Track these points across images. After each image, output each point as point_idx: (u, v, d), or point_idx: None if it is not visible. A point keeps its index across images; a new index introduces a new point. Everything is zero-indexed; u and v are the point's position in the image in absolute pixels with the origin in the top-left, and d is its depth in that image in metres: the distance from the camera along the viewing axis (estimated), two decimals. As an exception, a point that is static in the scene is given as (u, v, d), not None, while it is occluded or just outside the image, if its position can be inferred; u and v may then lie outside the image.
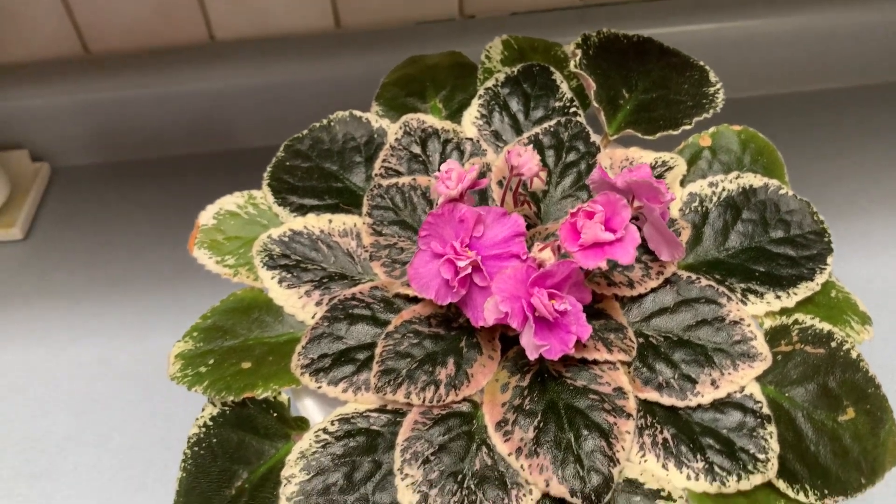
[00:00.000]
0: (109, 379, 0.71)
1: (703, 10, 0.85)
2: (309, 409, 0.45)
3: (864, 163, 0.84)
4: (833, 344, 0.44)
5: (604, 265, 0.39)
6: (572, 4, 0.87)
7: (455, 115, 0.55)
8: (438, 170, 0.42)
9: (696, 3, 0.86)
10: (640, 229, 0.45)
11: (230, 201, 0.51)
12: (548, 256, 0.40)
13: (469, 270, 0.40)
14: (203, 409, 0.46)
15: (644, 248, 0.45)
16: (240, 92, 0.86)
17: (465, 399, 0.43)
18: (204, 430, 0.46)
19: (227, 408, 0.45)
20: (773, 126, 0.86)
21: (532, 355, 0.39)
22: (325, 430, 0.42)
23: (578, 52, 0.53)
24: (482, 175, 0.49)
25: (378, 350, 0.43)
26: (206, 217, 0.51)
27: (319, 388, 0.43)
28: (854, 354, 0.44)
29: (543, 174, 0.44)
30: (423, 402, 0.42)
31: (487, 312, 0.39)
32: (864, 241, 0.77)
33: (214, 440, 0.45)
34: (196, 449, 0.45)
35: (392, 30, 0.86)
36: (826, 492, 0.41)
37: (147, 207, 0.84)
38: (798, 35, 0.86)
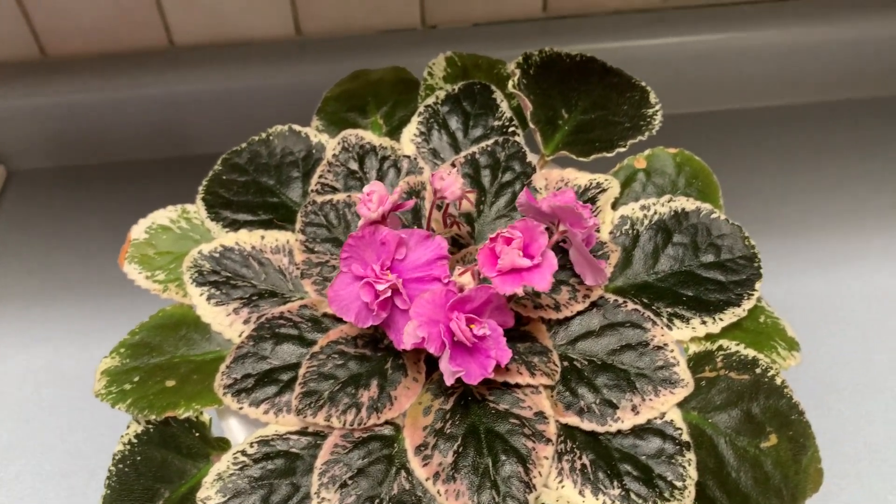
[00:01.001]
0: (57, 386, 0.71)
1: (663, 25, 0.85)
2: (233, 429, 0.45)
3: (819, 179, 0.84)
4: (758, 370, 0.44)
5: (520, 291, 0.39)
6: (535, 16, 0.87)
7: (396, 131, 0.55)
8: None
9: (656, 17, 0.86)
10: (567, 252, 0.45)
11: (163, 215, 0.51)
12: (467, 281, 0.40)
13: (389, 294, 0.40)
14: (128, 427, 0.46)
15: (572, 270, 0.45)
16: (198, 97, 0.85)
17: (387, 422, 0.42)
18: (128, 447, 0.45)
19: (150, 426, 0.45)
20: (727, 141, 0.87)
21: (448, 381, 0.39)
22: (243, 452, 0.42)
23: (518, 71, 0.53)
24: (415, 194, 0.49)
25: (302, 371, 0.43)
26: (138, 231, 0.51)
27: (241, 409, 0.43)
28: (778, 381, 0.44)
29: (472, 196, 0.44)
30: (344, 424, 0.42)
31: (406, 336, 0.39)
32: (816, 257, 0.78)
33: (139, 458, 0.45)
34: (120, 466, 0.45)
35: (353, 38, 0.86)
36: (745, 518, 0.41)
37: (103, 212, 0.84)
38: (762, 50, 0.86)
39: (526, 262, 0.39)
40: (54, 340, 0.73)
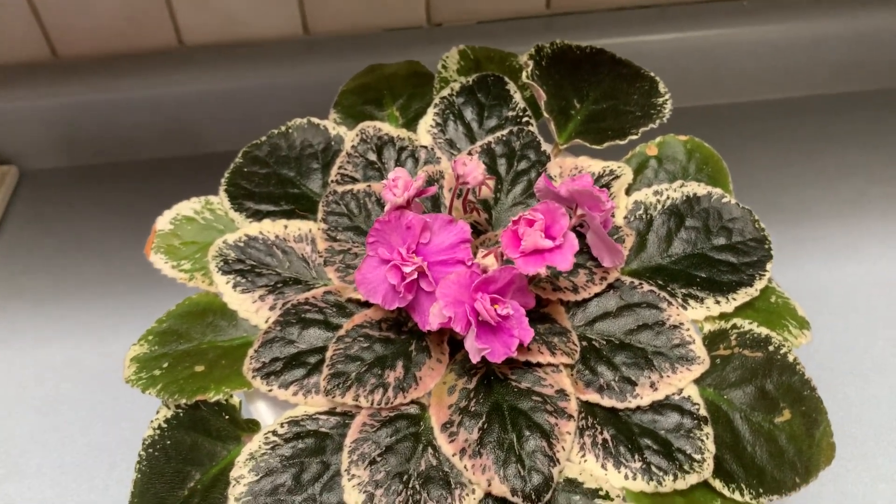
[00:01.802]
0: (76, 380, 0.72)
1: (665, 21, 0.87)
2: (261, 411, 0.46)
3: (822, 170, 0.86)
4: (771, 348, 0.46)
5: (544, 271, 0.40)
6: (539, 13, 0.88)
7: (411, 123, 0.57)
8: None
9: (659, 13, 0.87)
10: (584, 236, 0.46)
11: (187, 206, 0.52)
12: (491, 262, 0.41)
13: (415, 276, 0.41)
14: (157, 412, 0.47)
15: (589, 254, 0.47)
16: (208, 97, 0.86)
17: (412, 401, 0.44)
18: (158, 432, 0.46)
19: (180, 410, 0.46)
20: (732, 134, 0.88)
21: (475, 358, 0.40)
22: (274, 433, 0.43)
23: (531, 63, 0.54)
24: (434, 182, 0.50)
25: (329, 353, 0.44)
26: (163, 222, 0.52)
27: (270, 391, 0.44)
28: (791, 358, 0.45)
29: (491, 182, 0.45)
30: (372, 404, 0.43)
31: (432, 317, 0.41)
32: (820, 246, 0.79)
33: (168, 442, 0.46)
34: (150, 451, 0.46)
35: (360, 36, 0.87)
36: (761, 491, 0.42)
37: (115, 211, 0.85)
38: (763, 44, 0.88)
39: (548, 243, 0.40)
40: (71, 337, 0.74)
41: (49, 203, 0.86)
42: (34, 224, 0.84)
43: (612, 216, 0.47)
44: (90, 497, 0.65)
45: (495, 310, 0.40)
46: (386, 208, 0.42)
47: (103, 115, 0.86)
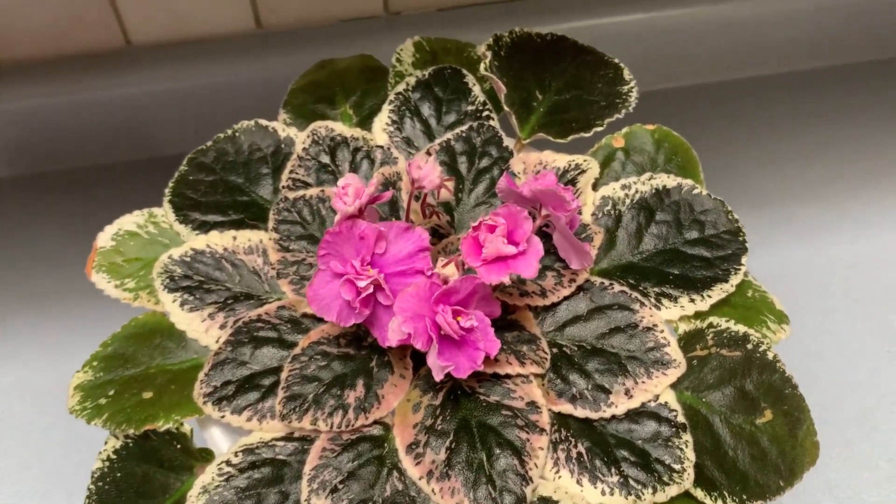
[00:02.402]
0: (29, 403, 0.68)
1: (629, 2, 0.84)
2: (215, 438, 0.43)
3: (796, 149, 0.84)
4: (749, 346, 0.44)
5: (507, 280, 0.37)
6: (500, -1, 0.85)
7: (366, 121, 0.54)
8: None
9: (622, -7, 0.85)
10: (551, 236, 0.44)
11: (129, 220, 0.49)
12: (451, 272, 0.38)
13: (371, 290, 0.39)
14: (106, 442, 0.44)
15: (556, 254, 0.44)
16: (160, 97, 0.83)
17: (375, 422, 0.41)
18: (107, 463, 0.44)
19: (129, 440, 0.43)
20: (702, 116, 0.86)
21: (437, 376, 0.38)
22: (227, 463, 0.40)
23: (489, 53, 0.52)
24: (390, 185, 0.47)
25: (284, 374, 0.42)
26: (105, 238, 0.49)
27: (223, 417, 0.41)
28: (770, 355, 0.44)
29: (450, 183, 0.43)
30: (331, 427, 0.40)
31: (391, 333, 0.38)
32: (795, 227, 0.78)
33: (119, 474, 0.43)
34: (100, 484, 0.43)
35: (315, 28, 0.84)
36: (745, 497, 0.40)
37: (66, 221, 0.81)
38: (730, 22, 0.86)
39: (511, 250, 0.37)
40: (22, 356, 0.71)
41: (-4, 215, 0.82)
42: (-20, 238, 0.80)
43: (580, 213, 0.45)
44: (49, 525, 0.62)
45: (458, 322, 0.38)
46: (336, 218, 0.40)
47: (49, 120, 0.82)
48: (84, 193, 0.83)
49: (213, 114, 0.84)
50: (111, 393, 0.44)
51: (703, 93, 0.89)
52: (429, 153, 0.49)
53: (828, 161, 0.83)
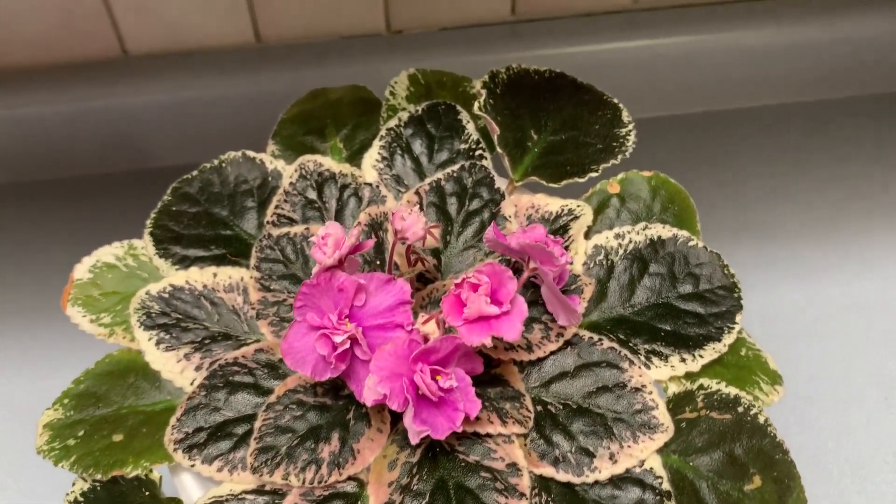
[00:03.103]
0: (8, 419, 0.67)
1: (635, 27, 0.83)
2: (187, 487, 0.42)
3: (798, 183, 0.82)
4: (740, 409, 0.42)
5: (488, 342, 0.36)
6: (504, 20, 0.84)
7: (356, 155, 0.52)
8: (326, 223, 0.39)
9: (627, 19, 0.83)
10: (539, 286, 0.43)
11: (108, 252, 0.48)
12: (432, 330, 0.37)
13: (348, 345, 0.37)
14: (73, 484, 0.43)
15: (544, 307, 0.43)
16: (155, 108, 0.82)
17: (349, 478, 0.40)
18: (74, 506, 0.42)
19: (97, 483, 0.42)
20: (704, 145, 0.85)
21: (413, 440, 0.37)
22: (195, 516, 0.39)
23: (484, 91, 0.50)
24: (377, 226, 0.46)
25: (257, 424, 0.40)
26: (82, 270, 0.47)
27: (193, 466, 0.40)
28: (761, 419, 0.42)
29: (437, 231, 0.41)
30: (304, 483, 0.39)
31: (367, 392, 0.37)
32: (794, 265, 0.76)
33: (85, 518, 0.42)
34: (66, 527, 0.42)
35: (316, 44, 0.82)
36: (730, 569, 0.39)
37: (55, 231, 0.80)
38: (734, 52, 0.84)
39: (494, 310, 0.36)
40: (5, 370, 0.70)
41: (-16, 224, 0.81)
42: (-33, 247, 0.79)
43: (571, 262, 0.43)
44: (22, 550, 0.61)
45: (437, 382, 0.36)
46: (315, 269, 0.38)
47: (42, 128, 0.81)
48: (75, 204, 0.82)
49: (208, 126, 0.83)
50: (80, 434, 0.43)
51: (703, 121, 0.87)
52: (418, 194, 0.47)
53: (829, 198, 0.81)
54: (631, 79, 0.84)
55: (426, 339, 0.37)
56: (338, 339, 0.37)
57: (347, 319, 0.38)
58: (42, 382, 0.69)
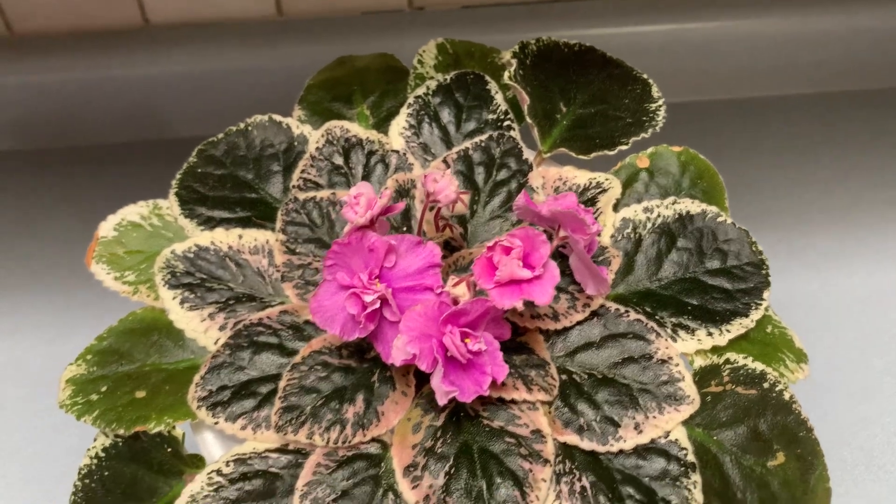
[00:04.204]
0: (20, 384, 0.67)
1: (659, 11, 0.82)
2: (209, 444, 0.42)
3: (817, 172, 0.82)
4: (765, 385, 0.42)
5: (519, 305, 0.36)
6: (526, 0, 0.83)
7: (383, 123, 0.52)
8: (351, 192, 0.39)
9: (651, 3, 0.83)
10: (566, 257, 0.42)
11: (133, 211, 0.48)
12: (462, 292, 0.37)
13: (377, 305, 0.37)
14: (95, 439, 0.43)
15: (571, 277, 0.43)
16: (174, 79, 0.81)
17: (373, 439, 0.40)
18: (96, 461, 0.42)
19: (119, 439, 0.42)
20: (723, 132, 0.84)
21: (441, 400, 0.36)
22: (218, 472, 0.39)
23: (514, 61, 0.50)
24: (404, 194, 0.46)
25: (282, 384, 0.40)
26: (107, 228, 0.47)
27: (216, 423, 0.40)
28: (787, 396, 0.42)
29: (466, 197, 0.41)
30: (328, 442, 0.39)
31: (395, 352, 0.36)
32: (812, 254, 0.76)
33: (106, 473, 0.42)
34: (87, 482, 0.42)
35: (337, 19, 0.82)
36: (751, 543, 0.39)
37: (72, 199, 0.80)
38: (762, 38, 0.84)
39: (526, 274, 0.36)
40: (16, 335, 0.70)
41: (1, 188, 0.81)
42: (-16, 212, 0.79)
43: (598, 235, 0.43)
44: (35, 510, 0.61)
45: (466, 345, 0.36)
46: (346, 228, 0.38)
47: (61, 95, 0.81)
48: (90, 172, 0.82)
49: (226, 98, 0.83)
50: (104, 389, 0.43)
51: (721, 109, 0.87)
52: (446, 162, 0.47)
53: (848, 187, 0.81)
54: (651, 63, 0.84)
55: (455, 302, 0.37)
56: (368, 298, 0.37)
57: (377, 280, 0.38)
58: (52, 347, 0.69)
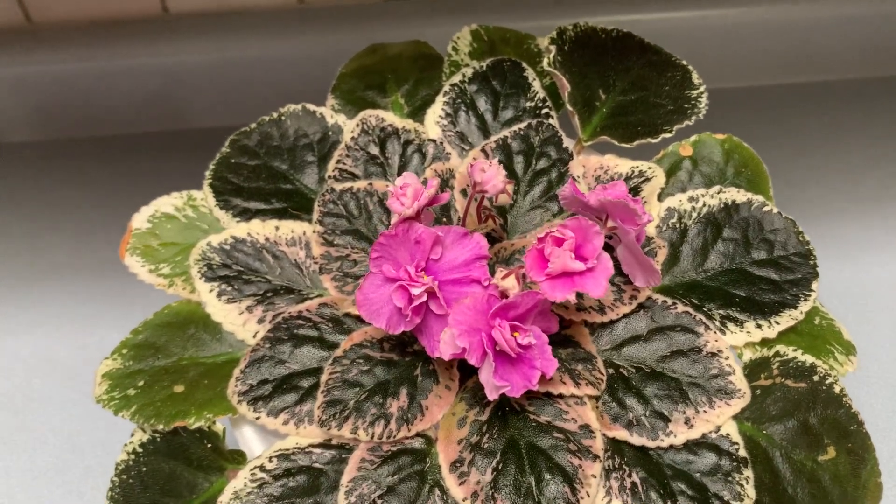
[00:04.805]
0: (47, 375, 0.67)
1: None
2: (249, 440, 0.41)
3: (845, 161, 0.81)
4: (815, 378, 0.41)
5: (572, 298, 0.35)
6: (550, -13, 0.82)
7: (418, 112, 0.51)
8: (392, 177, 0.38)
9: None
10: (613, 249, 0.42)
11: (167, 202, 0.47)
12: (511, 285, 0.36)
13: (424, 298, 0.36)
14: (133, 434, 0.43)
15: (618, 269, 0.42)
16: (194, 68, 0.80)
17: (418, 434, 0.39)
18: (133, 457, 0.42)
19: (157, 435, 0.41)
20: (751, 120, 0.83)
21: (491, 395, 0.36)
22: (261, 468, 0.38)
23: (553, 47, 0.49)
24: (444, 185, 0.45)
25: (324, 378, 0.39)
26: (140, 220, 0.46)
27: (258, 418, 0.39)
28: (837, 389, 0.41)
29: (511, 188, 0.40)
30: (372, 437, 0.38)
31: (444, 346, 0.36)
32: (841, 244, 0.75)
33: (144, 469, 0.41)
34: (124, 477, 0.42)
35: (358, 8, 0.81)
36: (803, 539, 0.38)
37: (94, 189, 0.79)
38: (785, 25, 0.82)
39: (579, 266, 0.35)
40: (45, 326, 0.69)
41: (21, 179, 0.80)
42: (4, 202, 0.78)
43: (651, 220, 0.42)
44: (63, 503, 0.61)
45: (515, 339, 0.35)
46: (393, 220, 0.37)
47: (81, 85, 0.80)
48: (112, 162, 0.81)
49: (247, 88, 0.82)
50: (140, 384, 0.42)
51: (749, 97, 0.85)
52: (484, 151, 0.46)
53: (877, 176, 0.79)
54: (676, 50, 0.83)
55: (504, 295, 0.36)
56: (415, 291, 0.36)
57: (423, 272, 0.37)
58: (79, 339, 0.69)
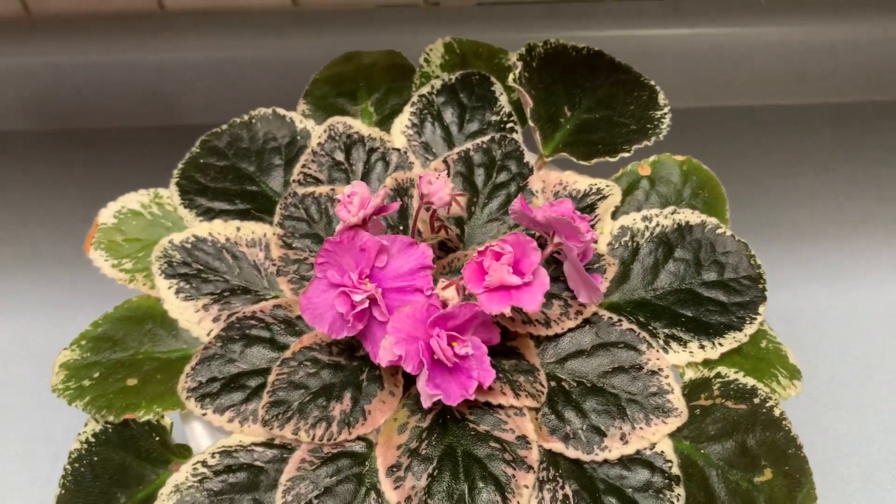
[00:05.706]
0: (24, 362, 0.68)
1: (678, 15, 0.81)
2: (197, 435, 0.42)
3: (830, 184, 0.81)
4: (756, 400, 0.42)
5: (508, 311, 0.36)
6: (543, -1, 0.83)
7: (386, 120, 0.52)
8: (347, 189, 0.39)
9: (671, 7, 0.82)
10: (561, 263, 0.42)
11: (134, 199, 0.48)
12: (451, 296, 0.37)
13: (366, 304, 0.37)
14: (86, 424, 0.44)
15: (565, 283, 0.42)
16: (187, 66, 0.82)
17: (359, 438, 0.40)
18: (86, 446, 0.43)
19: (109, 426, 0.42)
20: (737, 139, 0.84)
21: (426, 403, 0.37)
22: (203, 463, 0.39)
23: (520, 64, 0.50)
24: (403, 191, 0.46)
25: (271, 378, 0.40)
26: (107, 215, 0.47)
27: (204, 415, 0.40)
28: (777, 412, 0.42)
29: (463, 199, 0.41)
30: (313, 439, 0.39)
31: (382, 352, 0.36)
32: (820, 266, 0.75)
33: (96, 458, 0.42)
34: (76, 465, 0.43)
35: (352, 12, 0.82)
36: (733, 559, 0.39)
37: (80, 180, 0.81)
38: (775, 46, 0.83)
39: (516, 280, 0.36)
40: (22, 314, 0.70)
41: (11, 168, 0.81)
42: (-7, 189, 0.79)
43: (596, 240, 0.43)
44: (32, 489, 0.62)
45: (453, 348, 0.36)
46: (338, 227, 0.38)
47: (76, 78, 0.82)
48: (101, 154, 0.82)
49: (239, 87, 0.83)
50: (96, 375, 0.43)
51: (733, 116, 0.86)
52: (446, 162, 0.47)
53: (859, 200, 0.80)
54: (665, 67, 0.83)
55: (445, 305, 0.37)
56: (357, 297, 0.37)
57: (368, 279, 0.38)
58: (57, 327, 0.70)
